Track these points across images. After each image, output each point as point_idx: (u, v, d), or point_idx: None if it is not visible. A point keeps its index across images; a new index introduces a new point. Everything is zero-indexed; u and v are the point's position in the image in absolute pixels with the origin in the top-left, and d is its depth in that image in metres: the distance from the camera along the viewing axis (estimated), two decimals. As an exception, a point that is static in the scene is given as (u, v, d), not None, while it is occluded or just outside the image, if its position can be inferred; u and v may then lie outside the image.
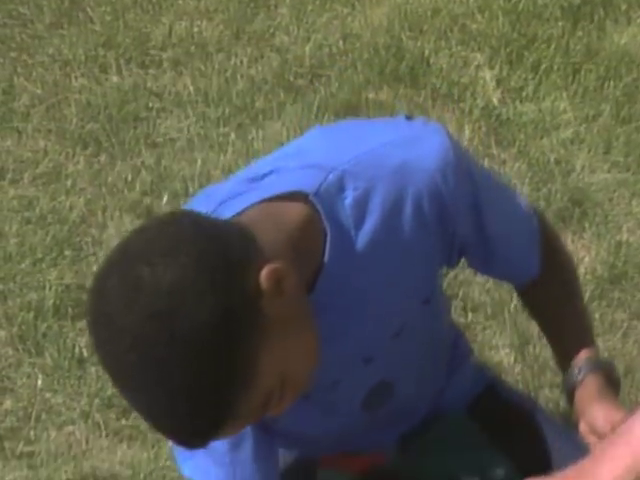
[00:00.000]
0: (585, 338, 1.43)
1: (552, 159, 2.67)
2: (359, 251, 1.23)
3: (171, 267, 1.02)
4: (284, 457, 1.45)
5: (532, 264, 1.43)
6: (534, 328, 2.27)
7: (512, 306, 2.31)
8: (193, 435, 1.07)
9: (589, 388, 1.37)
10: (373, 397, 1.38)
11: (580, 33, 3.08)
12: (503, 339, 2.27)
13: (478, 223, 1.32)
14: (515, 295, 2.29)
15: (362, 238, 1.23)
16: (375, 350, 1.32)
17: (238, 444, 1.31)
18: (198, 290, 1.02)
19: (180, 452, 1.36)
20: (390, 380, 1.38)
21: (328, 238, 1.21)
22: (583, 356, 1.40)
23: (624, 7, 3.17)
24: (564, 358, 1.43)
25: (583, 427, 1.37)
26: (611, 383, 1.39)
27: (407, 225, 1.25)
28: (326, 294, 1.21)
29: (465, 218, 1.30)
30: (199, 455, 1.30)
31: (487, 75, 2.96)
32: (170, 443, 1.33)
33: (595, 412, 1.34)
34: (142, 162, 2.64)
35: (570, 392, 1.40)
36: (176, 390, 1.03)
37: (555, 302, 1.46)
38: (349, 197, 1.22)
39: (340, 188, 1.22)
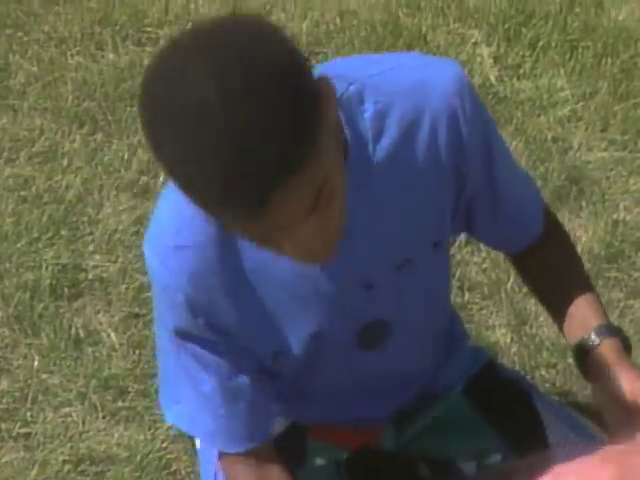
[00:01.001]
0: (595, 306, 1.39)
1: (549, 137, 2.66)
2: (375, 166, 1.22)
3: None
4: (277, 423, 1.40)
5: (535, 224, 1.42)
6: (531, 308, 2.28)
7: (509, 286, 2.31)
8: (282, 157, 0.98)
9: (607, 353, 1.33)
10: (369, 332, 1.35)
11: (577, 9, 3.06)
12: (500, 319, 2.27)
13: (489, 171, 1.31)
14: (512, 274, 2.30)
15: (379, 153, 1.22)
16: (377, 277, 1.30)
17: (235, 398, 1.31)
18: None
19: (166, 396, 1.34)
20: (388, 320, 1.35)
21: (349, 145, 1.20)
22: (596, 322, 1.36)
23: (623, -18, 3.16)
24: (573, 325, 1.39)
25: (601, 391, 1.32)
26: (626, 350, 1.36)
27: (421, 151, 1.24)
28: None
29: (478, 160, 1.29)
30: (187, 400, 1.30)
31: (484, 52, 2.95)
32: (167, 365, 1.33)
33: (617, 374, 1.31)
34: (139, 140, 2.63)
35: (583, 357, 1.35)
36: (273, 106, 0.97)
37: (557, 270, 1.43)
38: (369, 110, 1.21)
39: (360, 100, 1.21)
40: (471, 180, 1.30)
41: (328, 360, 1.36)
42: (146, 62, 2.88)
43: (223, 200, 1.00)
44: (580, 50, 2.92)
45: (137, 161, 2.57)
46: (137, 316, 2.25)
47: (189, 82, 0.97)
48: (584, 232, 2.44)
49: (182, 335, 1.26)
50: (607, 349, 1.34)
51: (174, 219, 1.21)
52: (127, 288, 2.29)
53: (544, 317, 2.24)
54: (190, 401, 1.31)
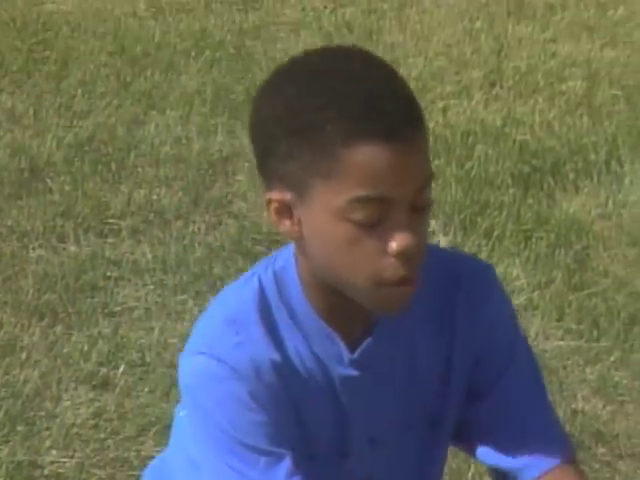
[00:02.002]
0: None
1: (507, 326, 2.69)
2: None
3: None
4: None
5: (554, 443, 1.30)
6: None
7: (469, 475, 2.29)
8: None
9: None
10: None
11: (530, 201, 3.16)
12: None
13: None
14: (472, 464, 2.28)
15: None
16: (383, 433, 1.31)
17: None
18: None
19: None
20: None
21: None
22: None
23: (572, 176, 3.27)
24: None
25: None
26: None
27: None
28: (380, 340, 1.26)
29: None
30: None
31: (442, 241, 3.02)
32: None
33: None
34: (99, 332, 2.63)
35: None
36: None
37: None
38: None
39: None
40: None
41: None
42: (107, 253, 2.91)
43: (370, 116, 1.15)
44: (534, 240, 3.00)
45: (97, 352, 2.57)
46: (93, 513, 2.20)
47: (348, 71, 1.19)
48: (543, 422, 2.44)
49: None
50: None
51: (228, 320, 1.25)
52: (84, 484, 2.25)
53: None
54: None
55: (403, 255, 1.16)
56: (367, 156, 1.15)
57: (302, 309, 1.25)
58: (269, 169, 1.20)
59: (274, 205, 1.20)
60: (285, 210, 1.20)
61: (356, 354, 1.26)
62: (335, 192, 1.16)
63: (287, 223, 1.20)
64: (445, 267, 1.31)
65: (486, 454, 1.34)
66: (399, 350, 1.28)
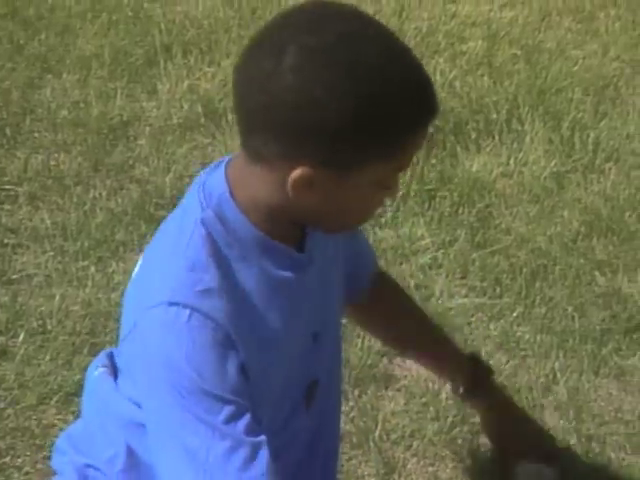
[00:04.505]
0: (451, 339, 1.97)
1: (412, 284, 2.70)
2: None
3: None
4: None
5: (372, 263, 1.77)
6: (399, 456, 2.27)
7: (377, 434, 2.30)
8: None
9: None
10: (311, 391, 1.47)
11: (434, 160, 3.17)
12: (368, 468, 2.25)
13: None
14: (380, 422, 2.29)
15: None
16: (325, 329, 1.48)
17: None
18: None
19: None
20: (318, 379, 1.50)
21: None
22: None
23: (474, 135, 3.29)
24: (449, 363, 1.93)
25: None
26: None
27: None
28: (312, 250, 1.42)
29: None
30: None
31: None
32: None
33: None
34: (-4, 300, 2.57)
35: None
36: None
37: (408, 313, 1.88)
38: None
39: None
40: None
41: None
42: (4, 220, 2.84)
43: (430, 104, 1.28)
44: (438, 200, 3.01)
45: (-5, 321, 2.51)
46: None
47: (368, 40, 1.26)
48: (448, 378, 2.46)
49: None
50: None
51: (189, 269, 1.29)
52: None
53: (412, 465, 2.24)
54: None
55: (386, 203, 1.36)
56: (421, 137, 1.29)
57: (250, 235, 1.32)
58: (302, 147, 1.23)
59: (301, 181, 1.25)
60: (308, 182, 1.25)
61: (304, 252, 1.39)
62: (388, 167, 1.28)
63: (308, 194, 1.26)
64: None
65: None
66: (327, 245, 1.45)
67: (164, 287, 1.28)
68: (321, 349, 1.47)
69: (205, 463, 1.24)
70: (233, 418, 1.25)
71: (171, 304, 1.25)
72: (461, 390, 1.95)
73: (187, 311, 1.25)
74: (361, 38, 1.23)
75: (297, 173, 1.23)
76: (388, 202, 1.30)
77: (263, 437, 1.27)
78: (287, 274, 1.36)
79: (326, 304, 1.48)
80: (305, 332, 1.43)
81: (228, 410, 1.25)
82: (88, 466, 1.48)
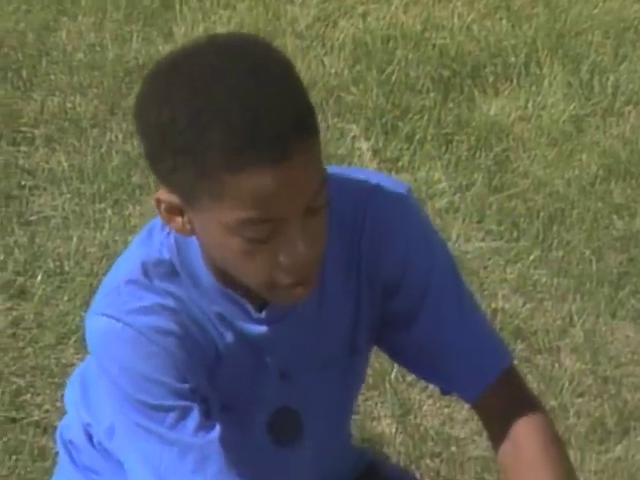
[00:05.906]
0: None
1: (428, 228, 2.70)
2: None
3: None
4: None
5: (487, 357, 1.31)
6: (415, 397, 2.28)
7: (392, 376, 2.31)
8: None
9: None
10: (279, 423, 1.34)
11: (451, 104, 3.15)
12: (384, 409, 2.26)
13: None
14: (395, 364, 2.30)
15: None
16: (297, 372, 1.31)
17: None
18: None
19: None
20: (297, 409, 1.34)
21: None
22: None
23: (491, 79, 3.26)
24: None
25: None
26: None
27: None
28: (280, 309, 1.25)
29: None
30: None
31: (363, 146, 3.00)
32: None
33: None
34: (15, 241, 2.58)
35: None
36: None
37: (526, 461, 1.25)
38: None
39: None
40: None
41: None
42: (21, 162, 2.84)
43: (254, 142, 1.08)
44: (455, 143, 2.99)
45: (13, 261, 2.52)
46: (14, 420, 2.17)
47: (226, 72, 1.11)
48: (465, 321, 2.46)
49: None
50: None
51: (131, 282, 1.23)
52: (3, 392, 2.22)
53: (427, 406, 2.25)
54: None
55: (294, 267, 1.15)
56: (252, 182, 1.09)
57: (205, 278, 1.23)
58: (157, 172, 1.14)
59: (163, 205, 1.16)
60: (175, 210, 1.16)
61: (263, 313, 1.25)
62: (224, 212, 1.11)
63: (179, 221, 1.17)
64: (353, 204, 1.27)
65: (426, 377, 1.38)
66: (308, 302, 1.26)
67: (102, 295, 1.26)
68: (295, 385, 1.33)
69: (160, 467, 1.23)
70: (178, 422, 1.23)
71: (104, 315, 1.23)
72: None
73: (119, 325, 1.22)
74: (208, 50, 1.13)
75: (157, 197, 1.16)
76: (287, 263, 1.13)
77: (214, 434, 1.24)
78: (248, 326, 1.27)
79: (312, 347, 1.32)
80: (272, 368, 1.31)
81: (171, 417, 1.23)
82: (90, 426, 1.50)
